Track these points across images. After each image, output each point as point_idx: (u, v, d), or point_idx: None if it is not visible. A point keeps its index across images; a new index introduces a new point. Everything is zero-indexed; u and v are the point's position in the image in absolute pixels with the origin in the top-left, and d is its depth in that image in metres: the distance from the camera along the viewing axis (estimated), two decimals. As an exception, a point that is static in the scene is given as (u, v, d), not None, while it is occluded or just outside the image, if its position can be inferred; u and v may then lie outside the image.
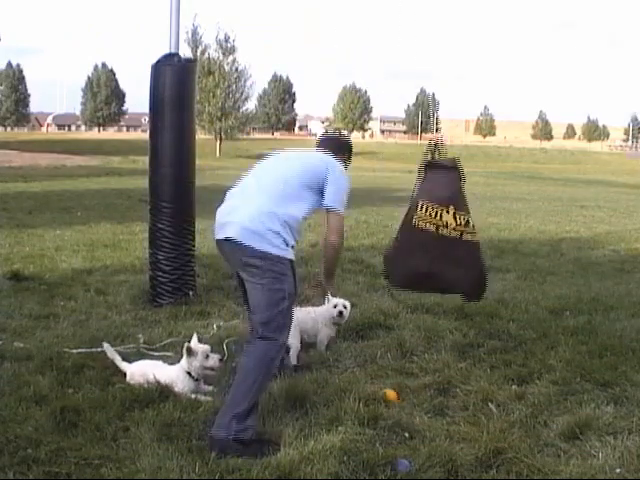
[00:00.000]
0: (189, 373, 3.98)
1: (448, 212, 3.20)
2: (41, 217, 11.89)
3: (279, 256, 3.57)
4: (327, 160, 3.83)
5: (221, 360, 4.09)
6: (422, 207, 3.15)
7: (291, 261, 3.65)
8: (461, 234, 3.39)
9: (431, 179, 3.37)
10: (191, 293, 6.04)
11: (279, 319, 3.58)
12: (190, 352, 3.99)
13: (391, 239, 4.19)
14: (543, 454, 3.30)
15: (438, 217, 3.17)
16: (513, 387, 4.16)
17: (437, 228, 3.22)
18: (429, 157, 3.46)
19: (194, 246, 6.17)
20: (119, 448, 3.24)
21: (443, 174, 3.34)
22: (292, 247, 3.66)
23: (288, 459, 3.11)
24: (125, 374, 4.14)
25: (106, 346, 4.33)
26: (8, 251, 8.37)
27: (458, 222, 3.25)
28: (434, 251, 3.31)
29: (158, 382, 3.93)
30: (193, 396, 3.87)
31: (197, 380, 4.00)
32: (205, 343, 4.14)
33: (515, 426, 3.57)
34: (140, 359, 4.32)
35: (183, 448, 3.22)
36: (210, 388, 4.04)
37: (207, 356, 4.02)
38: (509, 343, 4.99)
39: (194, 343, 4.06)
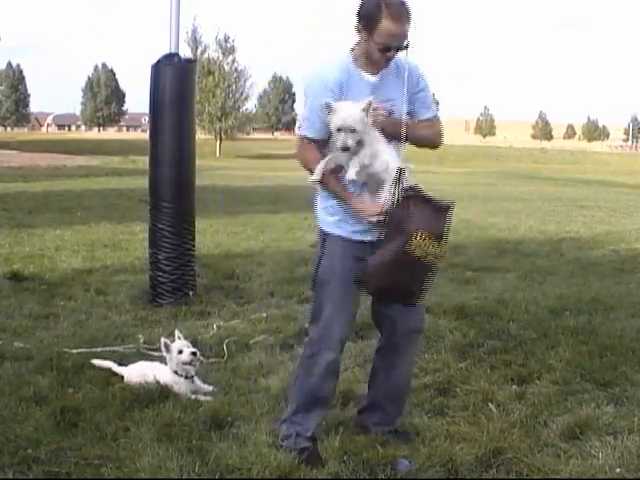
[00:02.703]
0: (176, 372, 3.97)
1: (439, 245, 3.26)
2: (41, 217, 11.87)
3: (319, 226, 3.25)
4: None
5: (194, 354, 3.99)
6: (419, 236, 3.17)
7: (327, 234, 3.20)
8: (435, 261, 3.44)
9: (429, 214, 3.35)
10: (191, 293, 6.04)
11: (312, 306, 3.29)
12: (167, 348, 3.99)
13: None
14: (543, 454, 3.30)
15: (430, 247, 3.21)
16: (513, 387, 4.16)
17: (426, 256, 3.27)
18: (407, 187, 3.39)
19: (194, 246, 6.17)
20: (119, 448, 3.23)
21: (444, 213, 3.36)
22: (333, 215, 3.19)
23: (288, 459, 3.10)
24: (123, 377, 4.14)
25: (96, 362, 4.28)
26: (8, 251, 8.36)
27: (441, 254, 3.31)
28: (415, 272, 3.33)
29: (158, 382, 3.93)
30: (193, 396, 3.87)
31: (187, 378, 3.97)
32: (204, 343, 4.13)
33: (515, 426, 3.57)
34: (140, 359, 4.32)
35: (183, 448, 3.22)
36: (210, 388, 4.03)
37: (180, 351, 3.98)
38: (509, 343, 4.99)
39: (175, 339, 4.04)
